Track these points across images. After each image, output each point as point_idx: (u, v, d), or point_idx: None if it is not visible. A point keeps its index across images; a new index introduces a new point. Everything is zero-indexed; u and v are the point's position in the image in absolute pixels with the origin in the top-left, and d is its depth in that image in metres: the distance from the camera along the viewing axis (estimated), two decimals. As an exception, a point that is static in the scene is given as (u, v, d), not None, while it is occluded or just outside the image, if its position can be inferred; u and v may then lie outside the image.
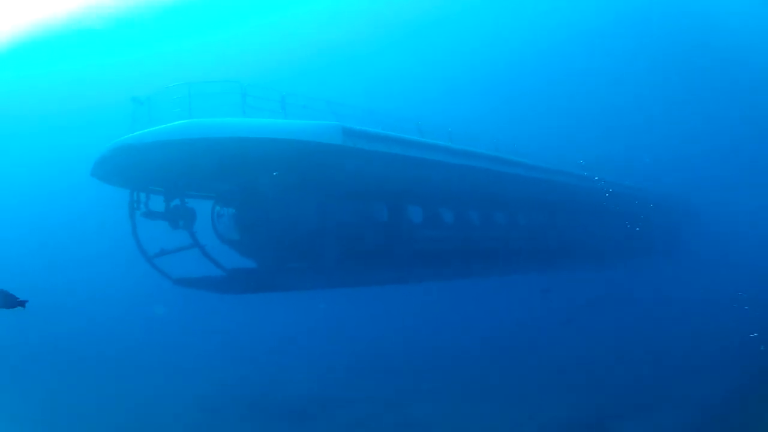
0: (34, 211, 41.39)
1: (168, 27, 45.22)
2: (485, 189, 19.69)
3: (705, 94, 46.90)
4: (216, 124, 14.01)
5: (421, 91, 46.21)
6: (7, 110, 41.48)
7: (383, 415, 21.37)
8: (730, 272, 32.37)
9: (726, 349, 22.91)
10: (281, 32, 47.12)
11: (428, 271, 19.22)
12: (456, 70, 49.89)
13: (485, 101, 46.33)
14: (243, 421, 21.97)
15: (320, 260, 15.89)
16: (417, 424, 20.23)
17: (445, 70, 49.82)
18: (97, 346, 32.72)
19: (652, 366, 23.43)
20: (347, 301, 34.19)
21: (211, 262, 15.05)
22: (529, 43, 49.13)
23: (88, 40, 42.43)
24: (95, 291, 39.01)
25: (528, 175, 21.08)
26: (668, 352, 24.76)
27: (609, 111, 47.11)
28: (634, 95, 47.91)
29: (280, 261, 16.18)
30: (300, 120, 15.45)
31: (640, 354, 25.30)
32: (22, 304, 8.50)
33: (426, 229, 18.20)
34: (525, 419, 19.46)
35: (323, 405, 22.95)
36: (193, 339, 36.46)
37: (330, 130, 15.01)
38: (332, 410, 22.39)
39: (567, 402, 20.49)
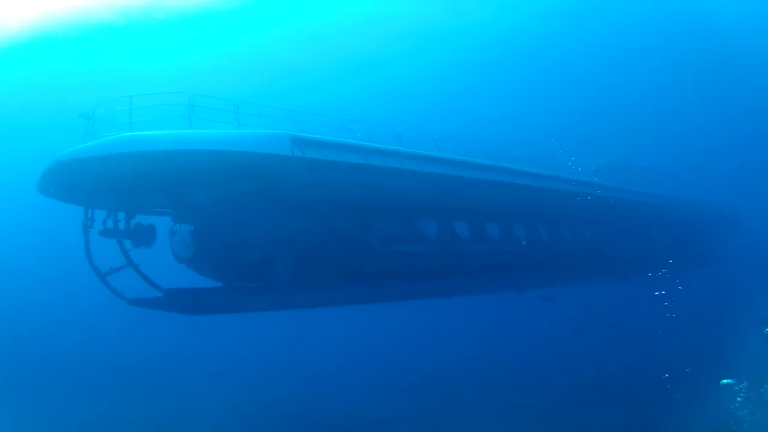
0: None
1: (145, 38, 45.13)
2: (464, 198, 18.30)
3: (744, 102, 44.20)
4: (150, 137, 13.23)
5: (408, 100, 45.21)
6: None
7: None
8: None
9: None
10: (274, 47, 46.70)
11: (402, 289, 17.89)
12: (444, 78, 48.68)
13: (476, 109, 45.01)
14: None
15: (273, 279, 14.81)
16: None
17: (433, 79, 48.65)
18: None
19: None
20: (369, 317, 33.34)
21: (146, 282, 14.23)
22: (533, 49, 47.40)
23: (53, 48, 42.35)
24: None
25: (514, 181, 19.63)
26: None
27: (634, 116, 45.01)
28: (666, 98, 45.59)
29: (229, 280, 15.22)
30: (247, 130, 14.58)
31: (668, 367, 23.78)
32: None
33: (396, 244, 16.85)
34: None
35: (362, 425, 22.85)
36: (221, 356, 36.05)
37: (277, 140, 14.08)
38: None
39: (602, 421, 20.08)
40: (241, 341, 36.52)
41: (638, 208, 26.38)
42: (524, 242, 20.65)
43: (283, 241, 14.76)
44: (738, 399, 16.09)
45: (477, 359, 31.08)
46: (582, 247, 23.26)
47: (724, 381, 16.22)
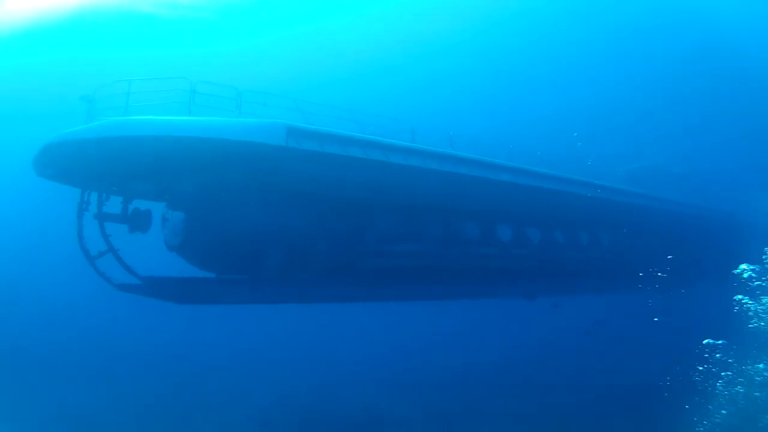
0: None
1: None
2: (473, 199, 17.57)
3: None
4: (138, 122, 13.09)
5: (428, 98, 43.99)
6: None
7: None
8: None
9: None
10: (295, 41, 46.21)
11: (399, 290, 17.32)
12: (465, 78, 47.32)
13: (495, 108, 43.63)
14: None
15: (260, 272, 14.50)
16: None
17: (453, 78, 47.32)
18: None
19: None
20: (374, 316, 32.95)
21: (125, 268, 14.10)
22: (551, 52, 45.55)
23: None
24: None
25: (528, 183, 18.76)
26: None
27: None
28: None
29: (217, 271, 14.97)
30: (242, 118, 14.27)
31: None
32: None
33: (395, 243, 16.28)
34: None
35: (379, 423, 22.73)
36: (235, 352, 35.96)
37: (272, 129, 13.65)
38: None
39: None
40: (247, 334, 36.34)
41: (664, 216, 25.05)
42: (536, 247, 19.87)
43: (272, 235, 14.39)
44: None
45: (484, 362, 30.36)
46: (598, 255, 22.23)
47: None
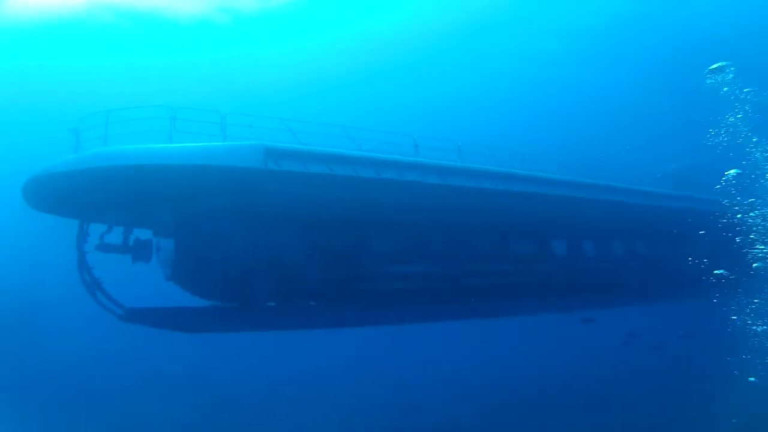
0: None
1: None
2: (481, 213, 16.38)
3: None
4: (117, 152, 12.80)
5: (443, 106, 42.43)
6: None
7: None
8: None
9: None
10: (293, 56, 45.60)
11: (400, 312, 16.24)
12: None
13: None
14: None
15: (251, 299, 13.82)
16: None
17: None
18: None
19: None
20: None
21: (111, 301, 13.76)
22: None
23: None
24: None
25: (543, 192, 17.40)
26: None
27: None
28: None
29: (210, 299, 14.42)
30: (219, 142, 13.75)
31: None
32: None
33: (394, 264, 15.29)
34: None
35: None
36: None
37: (249, 151, 13.11)
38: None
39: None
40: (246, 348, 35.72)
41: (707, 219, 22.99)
42: (560, 261, 18.48)
43: (262, 259, 13.76)
44: None
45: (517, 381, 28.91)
46: (632, 265, 20.51)
47: None
